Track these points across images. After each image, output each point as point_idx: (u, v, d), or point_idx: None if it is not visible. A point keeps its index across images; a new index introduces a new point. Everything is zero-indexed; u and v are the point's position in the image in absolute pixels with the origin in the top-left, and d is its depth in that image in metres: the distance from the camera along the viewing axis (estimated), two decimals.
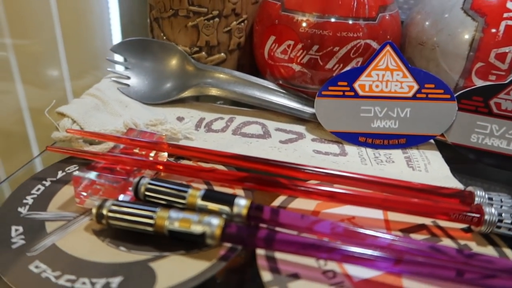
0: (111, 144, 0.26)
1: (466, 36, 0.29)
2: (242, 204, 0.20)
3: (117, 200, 0.20)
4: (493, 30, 0.28)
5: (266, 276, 0.18)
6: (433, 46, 0.31)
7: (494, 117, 0.28)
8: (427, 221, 0.23)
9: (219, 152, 0.25)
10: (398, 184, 0.24)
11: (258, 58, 0.35)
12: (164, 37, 0.35)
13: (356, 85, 0.30)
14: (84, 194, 0.22)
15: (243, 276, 0.20)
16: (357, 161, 0.28)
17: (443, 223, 0.23)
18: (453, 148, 0.30)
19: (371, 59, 0.29)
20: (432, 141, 0.31)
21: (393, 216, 0.23)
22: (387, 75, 0.29)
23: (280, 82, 0.33)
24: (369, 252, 0.19)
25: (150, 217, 0.19)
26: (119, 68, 0.35)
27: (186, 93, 0.33)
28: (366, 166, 0.27)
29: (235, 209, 0.20)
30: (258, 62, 0.35)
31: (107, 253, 0.19)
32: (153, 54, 0.34)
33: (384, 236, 0.19)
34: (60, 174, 0.25)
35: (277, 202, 0.24)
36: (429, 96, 0.29)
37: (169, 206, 0.20)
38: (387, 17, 0.31)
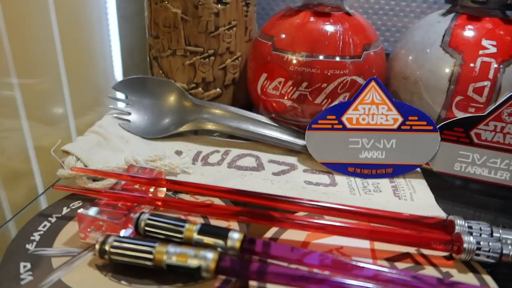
0: (113, 180, 0.27)
1: (446, 71, 0.31)
2: (235, 237, 0.22)
3: (119, 236, 0.22)
4: (471, 66, 0.30)
5: None
6: (416, 80, 0.32)
7: (475, 146, 0.30)
8: (411, 249, 0.24)
9: (214, 187, 0.26)
10: (385, 215, 0.25)
11: (251, 93, 0.37)
12: (163, 75, 0.37)
13: (344, 119, 0.31)
14: (88, 230, 0.23)
15: None
16: (346, 191, 0.29)
17: (426, 252, 0.24)
18: (440, 177, 0.31)
19: (357, 94, 0.31)
20: (418, 169, 0.32)
21: (379, 245, 0.24)
22: (373, 108, 0.31)
23: (273, 115, 0.35)
24: (355, 282, 0.20)
25: (150, 252, 0.21)
26: (120, 105, 0.37)
27: (184, 128, 0.34)
28: (354, 196, 0.29)
29: (229, 243, 0.21)
30: (252, 97, 0.37)
31: (109, 287, 0.20)
32: (153, 91, 0.36)
33: (370, 266, 0.21)
34: (65, 210, 0.26)
35: (269, 234, 0.25)
36: (413, 127, 0.31)
37: (167, 240, 0.22)
38: (371, 54, 0.33)
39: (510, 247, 0.22)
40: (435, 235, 0.23)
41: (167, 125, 0.35)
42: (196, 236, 0.22)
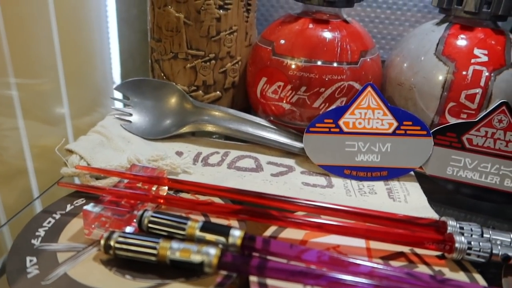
0: (116, 179, 0.28)
1: (439, 78, 0.32)
2: (236, 235, 0.22)
3: (123, 232, 0.23)
4: (463, 73, 0.31)
5: None
6: (411, 87, 0.34)
7: (466, 151, 0.31)
8: (405, 249, 0.25)
9: (215, 186, 0.27)
10: (380, 215, 0.26)
11: (251, 96, 0.37)
12: (164, 77, 0.38)
13: (340, 122, 0.32)
14: (92, 226, 0.24)
15: None
16: (342, 192, 0.30)
17: (419, 251, 0.25)
18: (433, 180, 0.32)
19: (354, 99, 0.32)
20: (412, 173, 0.33)
21: (375, 244, 0.25)
22: (369, 113, 0.32)
23: (271, 118, 0.36)
24: (352, 278, 0.21)
25: (154, 248, 0.21)
26: (122, 106, 0.37)
27: (185, 129, 0.35)
28: (350, 198, 0.30)
29: (230, 240, 0.22)
30: (251, 100, 0.38)
31: (114, 281, 0.21)
32: (154, 93, 0.37)
33: (366, 263, 0.22)
34: (69, 207, 0.27)
35: (268, 232, 0.26)
36: (408, 132, 0.32)
37: (170, 237, 0.23)
38: (368, 61, 0.34)
39: (499, 247, 0.24)
40: (428, 235, 0.24)
41: (168, 126, 0.36)
42: (198, 233, 0.23)
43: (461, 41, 0.32)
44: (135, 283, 0.21)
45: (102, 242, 0.22)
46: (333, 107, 0.33)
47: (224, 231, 0.23)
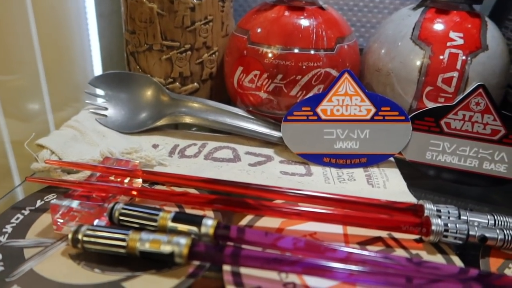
0: (88, 173, 0.27)
1: (416, 63, 0.32)
2: (209, 224, 0.22)
3: (92, 225, 0.22)
4: (440, 57, 0.31)
5: None
6: (388, 72, 0.33)
7: (445, 135, 0.31)
8: (383, 233, 0.25)
9: (190, 176, 0.27)
10: (357, 200, 0.26)
11: (228, 87, 0.37)
12: (140, 70, 0.37)
13: (318, 110, 0.32)
14: (61, 221, 0.23)
15: None
16: (321, 180, 0.30)
17: (397, 235, 0.24)
18: (413, 166, 0.32)
19: (331, 85, 0.32)
20: (392, 159, 0.33)
21: (352, 230, 0.25)
22: (346, 100, 0.32)
23: (250, 108, 0.35)
24: (328, 263, 0.20)
25: (123, 240, 0.21)
26: (98, 100, 0.37)
27: (161, 122, 0.35)
28: (329, 185, 0.29)
29: (203, 229, 0.22)
30: (229, 91, 0.37)
31: (82, 275, 0.20)
32: (130, 86, 0.36)
33: (342, 248, 0.21)
34: (39, 203, 0.26)
35: (244, 222, 0.25)
36: (386, 118, 0.32)
37: (141, 229, 0.22)
38: (345, 47, 0.33)
39: (476, 228, 0.23)
40: (405, 218, 0.24)
41: (144, 119, 0.35)
42: (170, 224, 0.22)
43: (437, 25, 0.32)
44: (104, 276, 0.20)
45: (70, 235, 0.21)
46: (310, 94, 0.33)
47: (196, 220, 0.22)
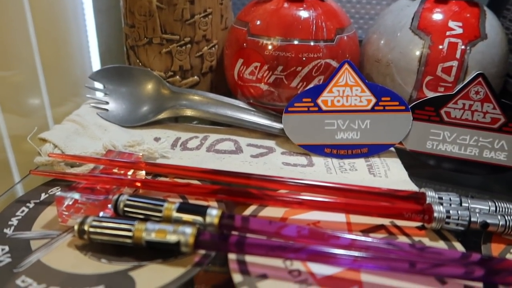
0: (90, 166, 0.28)
1: (416, 53, 0.32)
2: (214, 214, 0.22)
3: (98, 216, 0.22)
4: (439, 47, 0.31)
5: (237, 277, 0.20)
6: (388, 62, 0.33)
7: (445, 124, 0.31)
8: (386, 221, 0.25)
9: (193, 168, 0.27)
10: (359, 189, 0.26)
11: (229, 79, 0.37)
12: (140, 64, 0.37)
13: (319, 101, 0.32)
14: (67, 213, 0.23)
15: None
16: (323, 170, 0.30)
17: (399, 223, 0.25)
18: (414, 155, 0.32)
19: (332, 76, 0.32)
20: (393, 149, 0.33)
21: (355, 218, 0.25)
22: (347, 90, 0.32)
23: (251, 101, 0.35)
24: (331, 250, 0.21)
25: (129, 230, 0.21)
26: (98, 94, 0.37)
27: (162, 115, 0.35)
28: (331, 175, 0.29)
29: (208, 219, 0.22)
30: (229, 83, 0.37)
31: (89, 265, 0.20)
32: (130, 80, 0.36)
33: (346, 236, 0.22)
34: (43, 196, 0.26)
35: (248, 212, 0.25)
36: (386, 108, 0.32)
37: (146, 219, 0.22)
38: (344, 38, 0.34)
39: (478, 215, 0.24)
40: (407, 206, 0.24)
41: (146, 113, 0.35)
42: (175, 214, 0.22)
43: (436, 15, 0.32)
44: (111, 266, 0.20)
45: (76, 227, 0.21)
46: (311, 85, 0.33)
47: (201, 210, 0.22)
